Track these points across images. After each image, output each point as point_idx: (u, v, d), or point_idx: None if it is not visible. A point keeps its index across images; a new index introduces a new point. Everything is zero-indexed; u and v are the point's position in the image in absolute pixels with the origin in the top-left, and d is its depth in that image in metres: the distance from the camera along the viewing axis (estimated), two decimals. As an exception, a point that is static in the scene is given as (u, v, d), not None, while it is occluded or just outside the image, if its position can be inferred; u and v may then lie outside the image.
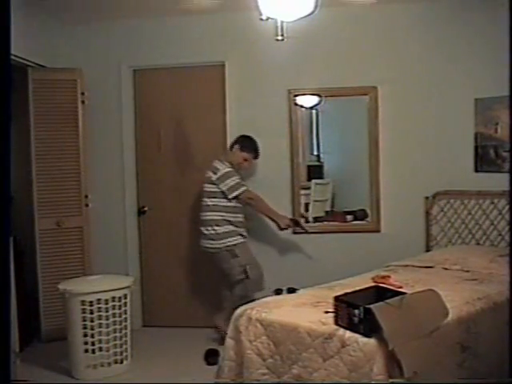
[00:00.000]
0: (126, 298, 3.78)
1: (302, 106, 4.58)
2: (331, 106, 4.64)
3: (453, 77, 4.27)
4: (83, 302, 3.62)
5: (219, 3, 4.14)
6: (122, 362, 3.77)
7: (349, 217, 4.63)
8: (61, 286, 3.72)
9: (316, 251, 4.50)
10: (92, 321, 3.64)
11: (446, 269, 3.62)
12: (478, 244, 4.19)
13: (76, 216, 4.46)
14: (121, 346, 3.76)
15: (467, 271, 3.53)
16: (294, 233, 4.51)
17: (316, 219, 4.69)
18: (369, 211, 4.51)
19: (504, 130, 4.08)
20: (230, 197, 4.05)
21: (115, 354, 3.73)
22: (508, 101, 3.61)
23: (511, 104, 3.56)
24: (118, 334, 3.73)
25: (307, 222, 4.63)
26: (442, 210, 4.33)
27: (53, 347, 4.11)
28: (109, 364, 3.72)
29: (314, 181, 4.77)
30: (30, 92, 4.29)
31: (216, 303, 4.39)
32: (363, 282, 3.12)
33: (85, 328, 3.64)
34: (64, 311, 3.75)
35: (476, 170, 4.24)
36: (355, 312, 2.42)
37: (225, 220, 4.07)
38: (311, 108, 4.71)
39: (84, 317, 3.63)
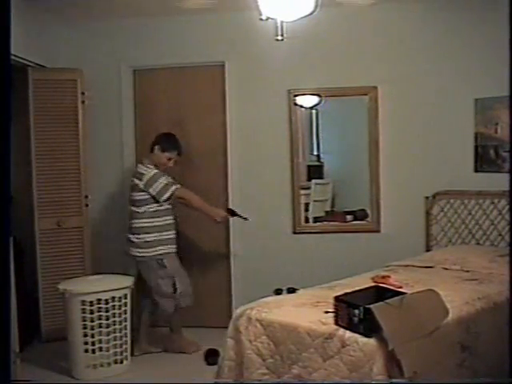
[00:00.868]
0: (126, 297, 3.78)
1: (301, 106, 4.58)
2: (331, 106, 4.65)
3: (453, 77, 4.27)
4: (83, 302, 3.63)
5: (219, 3, 4.14)
6: (121, 362, 3.77)
7: (349, 217, 4.63)
8: (61, 286, 3.72)
9: (316, 251, 4.50)
10: (92, 321, 3.64)
11: (446, 269, 3.61)
12: (478, 244, 4.19)
13: (76, 216, 4.46)
14: (121, 345, 3.76)
15: (467, 271, 3.53)
16: (294, 233, 4.51)
17: (316, 219, 4.69)
18: (369, 211, 4.51)
19: (504, 130, 4.08)
20: (161, 200, 3.92)
21: (115, 354, 3.74)
22: (508, 101, 3.62)
23: (511, 104, 3.58)
24: (117, 334, 3.73)
25: (307, 221, 4.63)
26: (442, 210, 4.33)
27: (53, 347, 4.11)
28: (109, 364, 3.72)
29: (314, 181, 4.77)
30: (30, 92, 4.29)
31: (216, 303, 4.39)
32: (363, 281, 3.12)
33: (85, 328, 3.64)
34: (64, 311, 3.76)
35: (476, 170, 4.24)
36: (355, 312, 2.42)
37: (155, 227, 3.94)
38: (311, 108, 4.72)
39: (84, 317, 3.63)
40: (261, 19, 2.95)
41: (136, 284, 3.98)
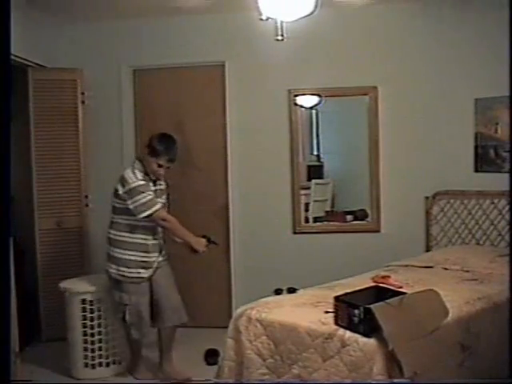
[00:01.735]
0: (125, 297, 3.77)
1: (301, 106, 4.58)
2: (331, 106, 4.65)
3: (453, 77, 4.27)
4: (83, 301, 3.63)
5: (219, 3, 4.14)
6: (120, 363, 3.77)
7: (349, 217, 4.63)
8: (61, 285, 3.73)
9: (316, 251, 4.50)
10: (92, 320, 3.64)
11: (446, 269, 3.61)
12: (478, 244, 4.19)
13: (76, 216, 4.46)
14: (120, 346, 3.76)
15: (467, 271, 3.53)
16: (294, 233, 4.51)
17: (316, 219, 4.69)
18: (369, 211, 4.51)
19: (504, 130, 4.08)
20: (139, 216, 3.36)
21: (114, 354, 3.73)
22: (508, 101, 3.64)
23: (511, 104, 3.59)
24: (117, 334, 3.72)
25: (307, 221, 4.63)
26: (442, 210, 4.33)
27: (53, 347, 4.11)
28: (108, 364, 3.72)
29: (313, 181, 4.77)
30: (30, 92, 4.29)
31: (216, 303, 4.39)
32: (363, 282, 3.12)
33: (84, 328, 3.64)
34: (64, 311, 3.75)
35: (476, 170, 4.24)
36: (355, 312, 2.42)
37: (135, 244, 3.45)
38: (311, 108, 4.72)
39: (84, 316, 3.63)
40: (261, 19, 2.95)
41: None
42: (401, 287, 2.97)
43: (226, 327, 2.93)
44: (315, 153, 4.91)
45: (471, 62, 4.21)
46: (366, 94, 4.41)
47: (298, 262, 4.50)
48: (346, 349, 2.43)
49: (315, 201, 4.75)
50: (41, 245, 4.34)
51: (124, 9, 4.34)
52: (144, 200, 3.33)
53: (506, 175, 3.72)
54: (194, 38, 4.54)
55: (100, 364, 3.68)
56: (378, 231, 4.45)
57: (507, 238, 4.02)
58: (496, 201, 4.11)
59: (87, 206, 4.49)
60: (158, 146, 3.41)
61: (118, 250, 3.48)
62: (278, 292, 3.27)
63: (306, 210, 4.66)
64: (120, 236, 3.48)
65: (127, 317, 3.47)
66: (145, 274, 3.48)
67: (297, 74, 4.45)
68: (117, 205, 3.48)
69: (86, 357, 3.66)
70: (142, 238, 3.47)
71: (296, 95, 4.49)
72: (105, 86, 4.64)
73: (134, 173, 3.39)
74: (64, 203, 4.41)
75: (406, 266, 3.74)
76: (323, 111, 4.74)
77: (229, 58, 4.54)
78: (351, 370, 2.40)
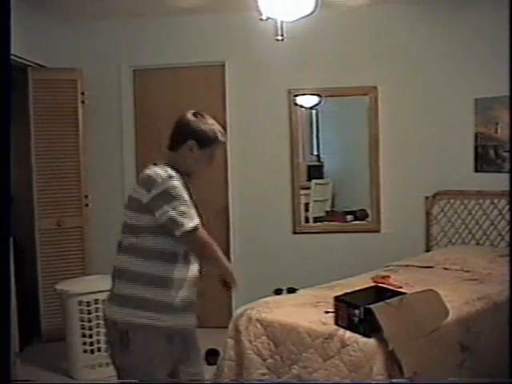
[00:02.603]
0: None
1: (301, 106, 4.58)
2: (331, 106, 4.65)
3: (453, 77, 4.27)
4: (80, 303, 3.63)
5: (219, 3, 4.15)
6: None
7: (349, 217, 4.63)
8: (58, 287, 3.72)
9: (316, 251, 4.50)
10: (90, 321, 3.64)
11: (446, 269, 3.61)
12: (478, 244, 4.19)
13: (76, 216, 4.46)
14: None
15: (467, 271, 3.53)
16: (294, 233, 4.51)
17: (316, 219, 4.69)
18: (369, 211, 4.51)
19: (504, 130, 4.08)
20: (177, 232, 2.12)
21: (114, 354, 3.73)
22: (508, 101, 3.63)
23: (511, 104, 3.58)
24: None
25: (307, 221, 4.62)
26: (442, 210, 4.33)
27: (52, 347, 4.10)
28: (107, 364, 3.71)
29: (314, 181, 4.77)
30: (30, 92, 4.29)
31: (216, 303, 4.37)
32: (363, 282, 3.12)
33: (83, 328, 3.64)
34: (62, 312, 3.75)
35: (476, 170, 4.24)
36: (355, 312, 2.42)
37: (151, 275, 2.19)
38: (311, 108, 4.72)
39: (82, 317, 3.63)
40: (261, 19, 2.95)
41: None
42: (401, 287, 2.97)
43: (226, 327, 2.93)
44: (315, 153, 4.91)
45: (471, 62, 4.21)
46: (365, 94, 4.41)
47: (298, 262, 4.50)
48: (345, 349, 2.43)
49: (315, 201, 4.75)
50: (41, 245, 4.33)
51: (124, 9, 4.35)
52: (184, 208, 2.19)
53: (506, 175, 3.71)
54: (194, 38, 4.54)
55: (100, 364, 3.68)
56: (378, 231, 4.45)
57: (507, 238, 4.02)
58: (496, 201, 4.11)
59: (87, 205, 4.49)
60: (209, 129, 2.44)
61: (129, 285, 2.30)
62: (278, 292, 3.27)
63: (306, 209, 4.66)
64: (140, 265, 2.20)
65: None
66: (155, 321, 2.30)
67: (297, 74, 4.45)
68: (133, 220, 2.18)
69: (84, 357, 3.65)
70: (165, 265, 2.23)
71: (296, 95, 4.49)
72: (105, 85, 4.64)
73: (165, 170, 2.22)
74: (64, 203, 4.41)
75: (406, 266, 3.74)
76: (323, 111, 4.74)
77: (229, 58, 4.54)
78: (351, 370, 2.40)
